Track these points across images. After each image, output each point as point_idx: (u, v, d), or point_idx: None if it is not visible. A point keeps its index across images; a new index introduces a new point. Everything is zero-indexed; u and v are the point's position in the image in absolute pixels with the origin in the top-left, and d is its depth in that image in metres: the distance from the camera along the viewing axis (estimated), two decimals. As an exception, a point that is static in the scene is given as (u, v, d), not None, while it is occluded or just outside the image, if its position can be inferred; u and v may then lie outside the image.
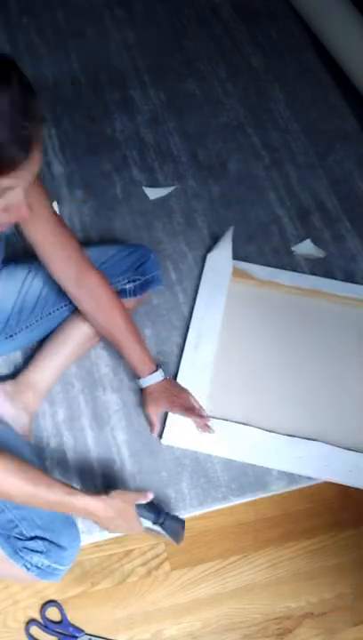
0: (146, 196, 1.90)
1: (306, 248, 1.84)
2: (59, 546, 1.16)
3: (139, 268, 1.49)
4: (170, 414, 1.46)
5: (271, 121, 2.14)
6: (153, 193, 1.91)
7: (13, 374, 1.50)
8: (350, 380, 1.62)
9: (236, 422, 1.49)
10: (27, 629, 1.31)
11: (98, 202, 1.87)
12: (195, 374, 1.54)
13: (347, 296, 1.74)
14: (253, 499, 1.45)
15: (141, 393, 1.46)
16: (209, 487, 1.43)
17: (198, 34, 2.37)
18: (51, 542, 1.15)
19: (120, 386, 1.55)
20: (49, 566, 1.15)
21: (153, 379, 1.41)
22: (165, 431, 1.46)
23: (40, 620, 1.32)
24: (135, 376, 1.44)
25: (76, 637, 1.31)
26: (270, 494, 1.46)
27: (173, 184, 1.93)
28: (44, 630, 1.31)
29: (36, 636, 1.31)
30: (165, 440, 1.46)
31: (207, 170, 1.98)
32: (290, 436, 1.49)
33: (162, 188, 1.92)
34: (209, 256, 1.75)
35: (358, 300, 1.74)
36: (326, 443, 1.48)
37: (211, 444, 1.46)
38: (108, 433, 1.48)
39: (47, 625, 1.31)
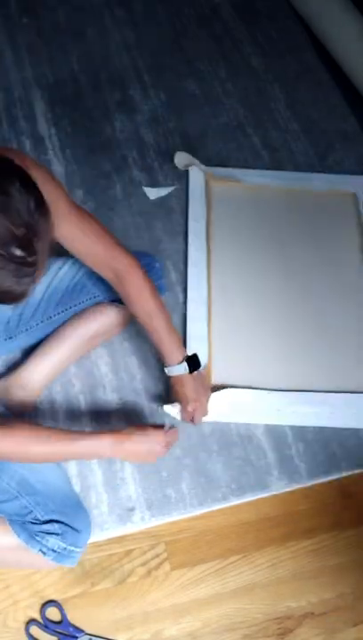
0: (146, 196, 1.90)
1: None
2: (73, 528, 1.18)
3: None
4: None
5: (271, 121, 2.14)
6: (153, 193, 1.91)
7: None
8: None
9: (241, 387, 1.51)
10: (27, 629, 1.31)
11: (98, 202, 1.87)
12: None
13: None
14: (253, 499, 1.45)
15: (169, 379, 1.42)
16: (209, 487, 1.43)
17: (198, 34, 2.37)
18: (66, 525, 1.18)
19: (120, 386, 1.55)
20: (65, 549, 1.17)
21: (179, 370, 1.37)
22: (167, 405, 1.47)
23: (40, 620, 1.32)
24: (163, 363, 1.40)
25: (77, 637, 1.31)
26: (270, 494, 1.45)
27: (173, 184, 1.93)
28: (44, 630, 1.31)
29: (36, 636, 1.31)
30: (167, 409, 1.46)
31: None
32: (294, 391, 1.53)
33: (162, 188, 1.92)
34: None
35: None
36: (328, 391, 1.54)
37: (224, 413, 1.48)
38: (109, 433, 1.48)
39: (47, 625, 1.31)
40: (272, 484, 1.45)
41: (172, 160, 1.97)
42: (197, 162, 1.91)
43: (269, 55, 2.33)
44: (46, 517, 1.18)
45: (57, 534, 1.17)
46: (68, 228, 1.20)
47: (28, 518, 1.18)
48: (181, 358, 1.37)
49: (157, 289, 1.51)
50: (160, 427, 1.28)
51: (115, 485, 1.41)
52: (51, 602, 1.33)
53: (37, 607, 1.33)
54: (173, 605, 1.36)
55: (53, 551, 1.17)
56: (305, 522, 1.48)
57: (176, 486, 1.43)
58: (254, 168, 2.00)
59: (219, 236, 1.80)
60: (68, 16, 2.35)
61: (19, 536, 1.18)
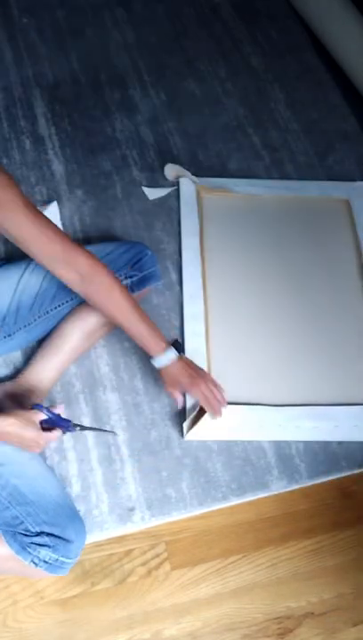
0: (146, 196, 1.90)
1: None
2: (65, 539, 1.16)
3: (136, 264, 1.49)
4: (189, 410, 1.45)
5: (271, 121, 2.14)
6: (153, 193, 1.91)
7: (13, 374, 1.50)
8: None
9: (244, 404, 1.50)
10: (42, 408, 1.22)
11: (98, 202, 1.87)
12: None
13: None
14: (253, 498, 1.45)
15: (159, 374, 1.39)
16: (209, 487, 1.43)
17: (198, 34, 2.37)
18: (57, 537, 1.16)
19: (120, 385, 1.55)
20: (57, 560, 1.16)
21: (166, 358, 1.34)
22: (186, 428, 1.45)
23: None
24: (148, 356, 1.37)
25: (68, 426, 1.25)
26: (270, 494, 1.46)
27: (172, 184, 1.93)
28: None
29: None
30: (189, 436, 1.45)
31: (207, 170, 1.98)
32: (296, 405, 1.52)
33: (162, 188, 1.92)
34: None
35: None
36: (330, 404, 1.52)
37: (231, 430, 1.47)
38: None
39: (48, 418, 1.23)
40: (272, 483, 1.45)
41: (172, 160, 1.96)
42: (187, 173, 1.89)
43: (269, 55, 2.33)
44: (37, 529, 1.16)
45: (48, 546, 1.16)
46: (26, 228, 1.17)
47: (19, 529, 1.16)
48: (164, 346, 1.34)
49: (151, 277, 1.52)
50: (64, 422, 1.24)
51: (115, 485, 1.41)
52: (37, 405, 1.24)
53: (37, 606, 1.33)
54: (173, 605, 1.36)
55: (45, 562, 1.16)
56: (305, 522, 1.48)
57: (176, 486, 1.43)
58: (254, 168, 2.01)
59: (213, 249, 1.77)
60: (68, 16, 2.35)
61: (10, 546, 1.16)
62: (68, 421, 1.25)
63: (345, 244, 1.83)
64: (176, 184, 1.91)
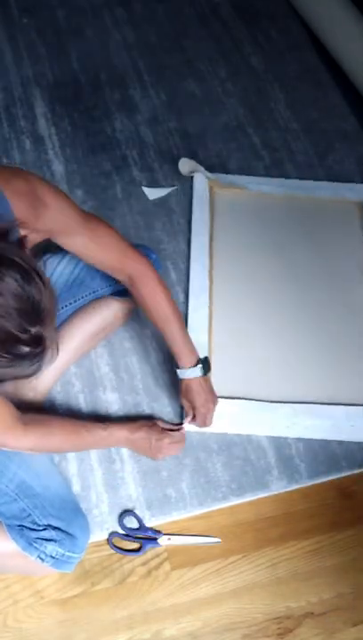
0: (146, 196, 1.90)
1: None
2: (71, 535, 1.17)
3: None
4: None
5: (271, 121, 2.14)
6: (153, 193, 1.91)
7: (13, 374, 1.50)
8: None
9: (242, 399, 1.51)
10: (109, 541, 1.37)
11: (98, 202, 1.87)
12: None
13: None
14: (253, 498, 1.45)
15: (179, 382, 1.42)
16: (209, 487, 1.43)
17: (198, 34, 2.37)
18: (63, 531, 1.18)
19: (120, 385, 1.55)
20: (63, 555, 1.17)
21: (192, 373, 1.37)
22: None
23: (120, 531, 1.37)
24: (175, 365, 1.39)
25: (156, 539, 1.37)
26: (270, 494, 1.46)
27: (173, 184, 1.93)
28: (125, 539, 1.37)
29: (119, 545, 1.37)
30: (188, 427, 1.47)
31: (207, 170, 1.98)
32: (296, 402, 1.52)
33: (162, 188, 1.92)
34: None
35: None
36: (330, 403, 1.53)
37: (227, 424, 1.49)
38: (109, 433, 1.48)
39: (128, 533, 1.37)
40: (272, 483, 1.45)
41: (172, 160, 1.97)
42: (201, 168, 1.90)
43: (269, 55, 2.33)
44: (44, 522, 1.18)
45: (55, 541, 1.17)
46: (82, 242, 1.21)
47: (26, 522, 1.17)
48: (194, 361, 1.37)
49: None
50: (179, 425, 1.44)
51: (115, 485, 1.41)
52: (127, 511, 1.38)
53: (38, 606, 1.33)
54: (173, 605, 1.36)
55: (52, 557, 1.17)
56: (305, 522, 1.48)
57: (176, 486, 1.43)
58: (254, 168, 2.01)
59: (222, 245, 1.79)
60: (68, 16, 2.35)
61: (17, 542, 1.17)
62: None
63: (354, 247, 1.83)
64: (179, 180, 1.92)
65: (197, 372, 1.38)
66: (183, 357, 1.37)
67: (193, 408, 1.41)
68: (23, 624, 1.32)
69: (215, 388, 1.45)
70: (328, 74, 2.29)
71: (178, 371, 1.39)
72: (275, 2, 2.51)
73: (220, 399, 1.45)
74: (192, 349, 1.38)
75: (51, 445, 1.26)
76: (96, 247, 1.24)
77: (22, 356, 0.83)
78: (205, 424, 1.44)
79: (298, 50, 2.37)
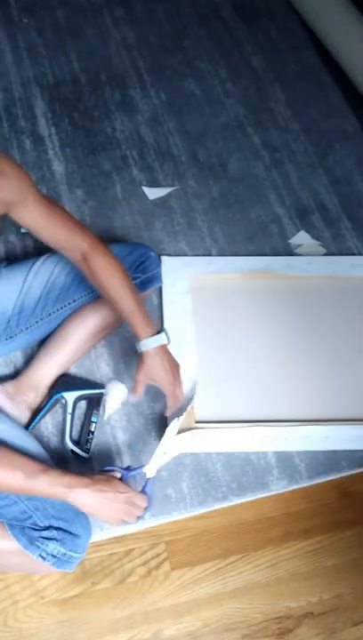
0: (146, 196, 1.90)
1: (302, 239, 1.84)
2: (72, 534, 1.17)
3: (140, 266, 1.50)
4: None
5: (271, 121, 2.14)
6: (153, 193, 1.91)
7: (14, 374, 1.50)
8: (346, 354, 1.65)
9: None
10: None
11: (98, 202, 1.87)
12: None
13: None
14: (253, 498, 1.45)
15: (139, 357, 1.36)
16: (209, 487, 1.43)
17: (198, 34, 2.37)
18: (65, 531, 1.17)
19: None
20: (65, 554, 1.17)
21: (157, 340, 1.34)
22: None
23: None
24: (136, 338, 1.35)
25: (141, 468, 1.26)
26: (270, 494, 1.46)
27: (173, 184, 1.93)
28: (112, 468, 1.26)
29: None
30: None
31: (207, 170, 1.98)
32: (291, 421, 1.51)
33: (162, 188, 1.92)
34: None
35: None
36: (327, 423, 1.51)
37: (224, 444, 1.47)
38: (109, 433, 1.48)
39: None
40: (272, 483, 1.45)
41: (172, 160, 1.97)
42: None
43: (269, 55, 2.33)
44: (45, 523, 1.17)
45: (56, 540, 1.17)
46: (38, 215, 1.24)
47: (28, 523, 1.17)
48: (155, 330, 1.35)
49: (154, 278, 1.54)
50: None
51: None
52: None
53: (37, 606, 1.33)
54: (173, 605, 1.36)
55: (53, 556, 1.17)
56: (305, 522, 1.48)
57: (176, 486, 1.43)
58: (254, 167, 2.00)
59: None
60: (68, 16, 2.35)
61: (18, 541, 1.17)
62: (140, 467, 1.26)
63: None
64: (179, 180, 1.92)
65: (163, 338, 1.34)
66: (144, 327, 1.33)
67: (162, 387, 1.37)
68: (23, 624, 1.32)
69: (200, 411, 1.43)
70: (328, 74, 2.29)
71: (141, 342, 1.34)
72: (275, 2, 2.51)
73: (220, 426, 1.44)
74: (150, 320, 1.35)
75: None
76: (51, 222, 1.26)
77: None
78: (177, 401, 1.39)
79: (298, 50, 2.37)
